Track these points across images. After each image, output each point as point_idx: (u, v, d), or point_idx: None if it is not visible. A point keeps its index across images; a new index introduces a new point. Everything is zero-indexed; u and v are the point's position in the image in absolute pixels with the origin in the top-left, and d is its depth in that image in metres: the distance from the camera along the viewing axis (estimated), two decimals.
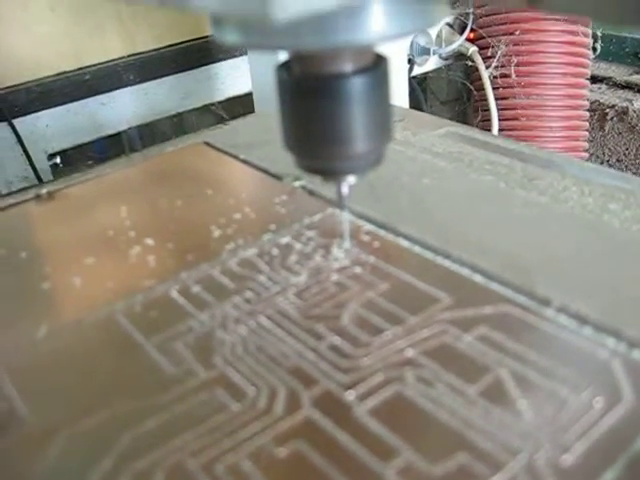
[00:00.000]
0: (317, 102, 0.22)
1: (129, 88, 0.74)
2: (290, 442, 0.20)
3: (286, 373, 0.23)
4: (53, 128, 0.71)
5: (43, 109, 0.69)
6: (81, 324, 0.26)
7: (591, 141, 0.86)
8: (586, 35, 0.78)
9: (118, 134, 0.76)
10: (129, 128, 0.77)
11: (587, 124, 0.82)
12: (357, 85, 0.21)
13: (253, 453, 0.20)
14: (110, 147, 0.77)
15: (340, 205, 0.25)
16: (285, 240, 0.30)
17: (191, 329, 0.25)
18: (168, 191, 0.35)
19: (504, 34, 0.79)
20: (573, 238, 0.29)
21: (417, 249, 0.29)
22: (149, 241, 0.30)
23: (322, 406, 0.22)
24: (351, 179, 0.24)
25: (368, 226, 0.30)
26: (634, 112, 0.80)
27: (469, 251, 0.28)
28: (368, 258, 0.28)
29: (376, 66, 0.22)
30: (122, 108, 0.75)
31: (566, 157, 0.43)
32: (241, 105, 0.79)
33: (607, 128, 0.83)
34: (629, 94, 0.82)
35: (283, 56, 0.22)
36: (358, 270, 0.28)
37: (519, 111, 0.81)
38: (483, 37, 0.82)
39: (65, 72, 0.71)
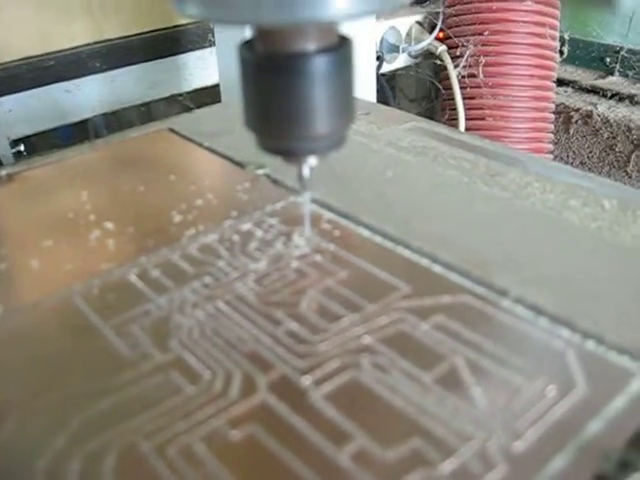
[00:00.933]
0: (279, 80, 0.21)
1: (95, 76, 0.73)
2: (244, 426, 0.20)
3: (242, 357, 0.23)
4: (16, 113, 0.69)
5: (6, 94, 0.68)
6: (38, 306, 0.26)
7: (556, 143, 0.88)
8: (553, 38, 0.79)
9: (84, 122, 0.75)
10: (95, 116, 0.75)
11: (552, 126, 0.83)
12: (320, 64, 0.21)
13: (207, 436, 0.20)
14: (75, 135, 0.75)
15: (301, 187, 0.25)
16: (246, 227, 0.30)
17: (148, 312, 0.25)
18: (130, 176, 0.34)
19: (473, 34, 0.80)
20: (533, 233, 0.30)
21: (377, 239, 0.29)
22: (109, 225, 0.30)
23: (278, 391, 0.21)
24: (312, 161, 0.24)
25: (329, 215, 0.30)
26: (598, 116, 0.81)
27: (429, 243, 0.28)
28: (328, 246, 0.28)
29: (340, 47, 0.22)
30: (87, 96, 0.73)
31: (530, 155, 0.43)
32: (208, 96, 0.78)
33: (572, 131, 0.84)
34: (594, 98, 0.83)
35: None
36: (318, 258, 0.28)
37: (486, 111, 0.82)
38: (452, 37, 0.83)
39: (30, 57, 0.69)
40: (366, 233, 0.29)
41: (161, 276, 0.27)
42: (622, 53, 0.83)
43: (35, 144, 0.71)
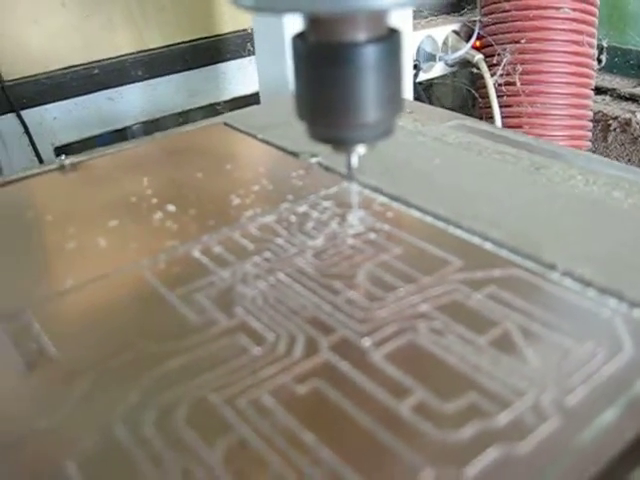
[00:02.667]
0: (329, 70, 0.22)
1: (137, 84, 0.76)
2: (309, 381, 0.21)
3: (304, 322, 0.24)
4: (60, 121, 0.72)
5: (51, 102, 0.71)
6: (107, 278, 0.27)
7: (594, 151, 0.88)
8: (591, 46, 0.80)
9: (123, 129, 0.77)
10: (134, 124, 0.78)
11: (590, 134, 0.83)
12: (369, 54, 0.22)
13: (274, 390, 0.21)
14: (115, 142, 0.78)
15: (349, 175, 0.27)
16: (302, 209, 0.31)
17: (213, 284, 0.26)
18: (188, 165, 0.36)
19: (510, 42, 0.81)
20: (578, 214, 0.31)
21: (429, 219, 0.30)
22: (171, 207, 0.32)
23: (339, 351, 0.23)
24: (361, 149, 0.25)
25: (381, 198, 0.32)
26: (637, 124, 0.82)
27: (479, 223, 0.29)
28: (382, 226, 0.29)
29: (389, 37, 0.23)
30: (129, 104, 0.76)
31: (572, 150, 0.44)
32: (246, 105, 0.80)
33: (610, 139, 0.85)
34: (632, 106, 0.84)
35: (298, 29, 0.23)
36: (372, 236, 0.29)
37: (523, 119, 0.83)
38: (489, 45, 0.84)
39: (74, 66, 0.72)
40: (417, 214, 0.30)
41: (223, 252, 0.28)
42: None
43: (77, 152, 0.74)
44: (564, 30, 0.79)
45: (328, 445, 0.19)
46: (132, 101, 0.75)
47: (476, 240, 0.28)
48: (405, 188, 0.32)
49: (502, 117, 0.83)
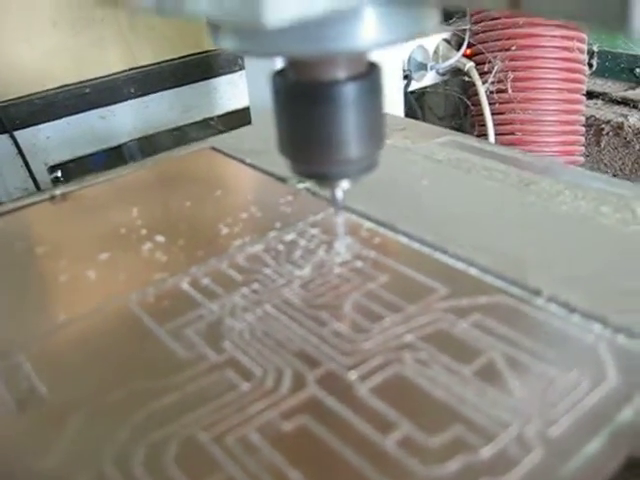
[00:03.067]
0: (311, 108, 0.23)
1: (129, 102, 0.76)
2: (296, 417, 0.22)
3: (291, 355, 0.24)
4: (53, 140, 0.73)
5: (44, 122, 0.71)
6: (97, 313, 0.28)
7: (587, 156, 0.88)
8: (582, 51, 0.80)
9: (119, 147, 0.78)
10: (129, 141, 0.78)
11: (583, 139, 0.84)
12: (350, 91, 0.22)
13: (261, 427, 0.22)
14: (110, 160, 0.78)
15: (335, 208, 0.27)
16: (290, 237, 0.31)
17: (201, 317, 0.27)
18: (177, 192, 0.36)
19: (500, 50, 0.81)
20: (565, 235, 0.31)
21: (415, 245, 0.30)
22: (160, 238, 0.32)
23: (326, 385, 0.23)
24: (345, 184, 0.25)
25: (368, 224, 0.32)
26: (629, 127, 0.82)
27: (465, 247, 0.29)
28: (369, 253, 0.30)
29: (369, 73, 0.23)
30: (122, 121, 0.76)
31: (560, 164, 0.44)
32: (238, 119, 0.80)
33: (603, 143, 0.85)
34: (624, 110, 0.84)
35: (279, 65, 0.24)
36: (359, 264, 0.29)
37: (516, 126, 0.83)
38: (480, 53, 0.84)
39: (66, 85, 0.72)
40: (404, 240, 0.31)
41: (211, 284, 0.29)
42: None
43: (71, 171, 0.74)
44: (554, 36, 0.79)
45: None
46: (125, 119, 0.75)
47: (461, 266, 0.29)
48: (392, 212, 0.33)
49: (494, 124, 0.84)
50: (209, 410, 0.22)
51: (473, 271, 0.28)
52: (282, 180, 0.36)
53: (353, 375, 0.23)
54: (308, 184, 0.35)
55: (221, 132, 0.80)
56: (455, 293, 0.27)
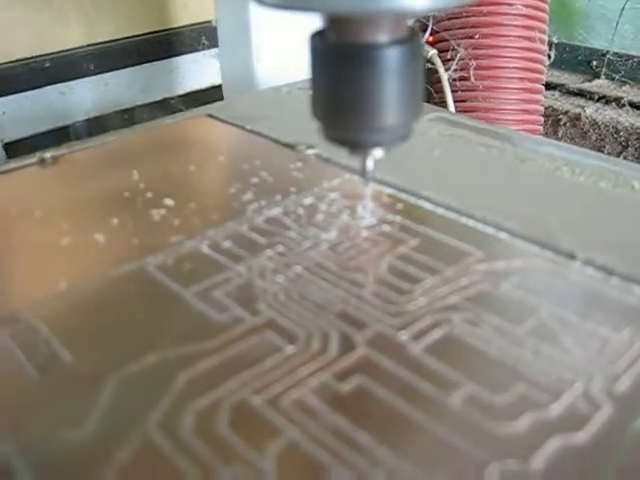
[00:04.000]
0: (349, 71, 0.22)
1: (88, 78, 0.73)
2: (351, 378, 0.21)
3: (334, 317, 0.23)
4: (10, 116, 0.69)
5: (0, 96, 0.68)
6: (112, 276, 0.26)
7: None
8: (542, 42, 0.81)
9: (65, 128, 0.75)
10: (76, 122, 0.75)
11: (542, 129, 0.85)
12: (391, 56, 0.21)
13: (316, 389, 0.20)
14: (56, 141, 0.75)
15: (365, 179, 0.26)
16: (309, 201, 0.30)
17: (229, 279, 0.25)
18: (178, 157, 0.34)
19: (464, 38, 0.82)
20: (584, 202, 0.31)
21: (440, 210, 0.29)
22: (169, 201, 0.30)
23: (377, 346, 0.22)
24: (378, 152, 0.24)
25: (388, 189, 0.31)
26: (586, 118, 0.84)
27: (491, 212, 0.29)
28: (394, 218, 0.29)
29: (410, 40, 0.22)
30: (81, 98, 0.73)
31: (553, 142, 0.44)
32: (200, 100, 0.78)
33: (560, 133, 0.87)
34: (581, 101, 0.86)
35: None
36: (387, 228, 0.28)
37: (478, 114, 0.83)
38: (443, 40, 0.84)
39: (24, 59, 0.69)
40: (428, 205, 0.30)
41: (234, 246, 0.27)
42: (608, 56, 0.85)
43: (17, 150, 0.70)
44: (517, 26, 0.80)
45: (385, 443, 0.18)
46: (84, 95, 0.72)
47: (490, 230, 0.28)
48: (411, 179, 0.32)
49: (457, 112, 0.84)
50: (255, 374, 0.21)
51: (503, 235, 0.28)
52: (288, 146, 0.35)
53: (404, 335, 0.22)
54: (317, 150, 0.34)
55: (180, 112, 0.78)
56: (490, 256, 0.26)
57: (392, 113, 0.22)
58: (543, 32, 0.82)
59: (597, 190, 0.33)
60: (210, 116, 0.39)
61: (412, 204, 0.30)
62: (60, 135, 0.74)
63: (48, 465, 0.18)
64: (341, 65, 0.22)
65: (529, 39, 0.81)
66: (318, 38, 0.22)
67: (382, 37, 0.21)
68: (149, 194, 0.31)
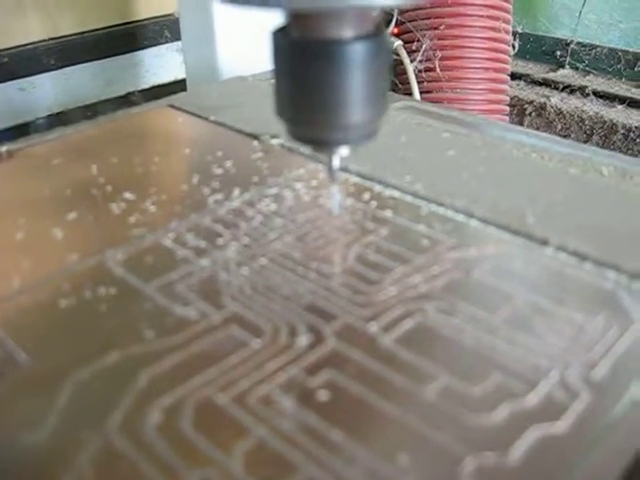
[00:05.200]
0: (313, 67, 0.21)
1: (50, 73, 0.71)
2: (321, 373, 0.20)
3: (302, 309, 0.22)
4: None
5: None
6: (70, 272, 0.25)
7: None
8: (507, 32, 0.81)
9: (25, 125, 0.72)
10: (37, 119, 0.73)
11: (508, 118, 0.85)
12: (357, 52, 0.21)
13: (284, 384, 0.19)
14: (16, 138, 0.73)
15: (330, 177, 0.25)
16: (273, 191, 0.29)
17: (192, 273, 0.24)
18: (140, 149, 0.33)
19: (429, 29, 0.81)
20: (554, 188, 0.30)
21: (409, 198, 0.29)
22: (129, 195, 0.29)
23: (346, 338, 0.21)
24: (344, 151, 0.24)
25: (354, 178, 0.30)
26: (551, 108, 0.84)
27: (460, 199, 0.28)
28: (362, 206, 0.28)
29: (376, 35, 0.21)
30: (42, 94, 0.71)
31: (521, 129, 0.44)
32: (164, 94, 0.77)
33: (526, 123, 0.87)
34: (546, 91, 0.86)
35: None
36: (354, 217, 0.27)
37: (444, 104, 0.83)
38: (408, 31, 0.84)
39: None
40: (396, 193, 0.29)
41: (196, 239, 0.26)
42: (572, 46, 0.86)
43: None
44: (481, 16, 0.79)
45: (359, 441, 0.18)
46: (45, 91, 0.70)
47: (461, 217, 0.27)
48: (377, 167, 0.31)
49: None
50: (221, 370, 0.20)
51: (474, 222, 0.27)
52: (252, 136, 0.34)
53: (373, 326, 0.21)
54: (282, 140, 0.33)
55: None
56: (461, 244, 0.26)
57: (358, 111, 0.22)
58: (507, 22, 0.82)
59: (567, 176, 0.33)
60: (172, 107, 0.38)
61: (380, 192, 0.29)
62: (20, 132, 0.72)
63: (4, 470, 0.17)
64: (304, 62, 0.21)
65: (494, 29, 0.81)
66: (280, 35, 0.21)
67: (346, 32, 0.20)
68: (109, 187, 0.30)
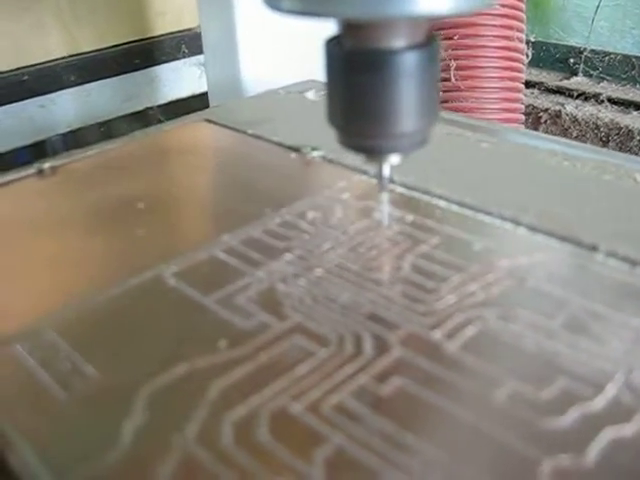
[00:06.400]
0: (366, 77, 0.21)
1: (70, 90, 0.72)
2: (390, 380, 0.20)
3: (364, 318, 0.23)
4: None
5: None
6: (126, 286, 0.25)
7: None
8: (521, 41, 0.82)
9: (41, 143, 0.73)
10: (52, 136, 0.73)
11: (523, 127, 0.85)
12: (408, 61, 0.21)
13: (356, 392, 0.20)
14: (32, 156, 0.73)
15: (380, 186, 0.25)
16: (321, 203, 0.29)
17: (249, 285, 0.25)
18: (182, 164, 0.34)
19: (444, 39, 0.82)
20: (593, 195, 0.31)
21: (455, 208, 0.29)
22: (176, 210, 0.29)
23: (411, 346, 0.21)
24: (395, 159, 0.24)
25: (399, 189, 0.30)
26: (567, 115, 0.84)
27: (506, 208, 0.29)
28: (410, 217, 0.28)
29: (428, 44, 0.22)
30: (62, 110, 0.72)
31: (549, 137, 0.45)
32: (181, 109, 0.77)
33: (541, 131, 0.87)
34: (560, 98, 0.86)
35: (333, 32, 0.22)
36: (404, 228, 0.28)
37: (461, 114, 0.84)
38: None
39: (2, 72, 0.67)
40: (442, 203, 0.29)
41: (250, 251, 0.26)
42: (585, 54, 0.86)
43: (3, 166, 0.69)
44: (495, 26, 0.80)
45: (435, 445, 0.18)
46: (65, 108, 0.71)
47: (509, 226, 0.28)
48: (419, 177, 0.31)
49: None
50: (291, 380, 0.20)
51: (522, 230, 0.27)
52: (293, 149, 0.34)
53: (437, 334, 0.22)
54: (323, 152, 0.33)
55: (161, 122, 0.77)
56: (512, 252, 0.26)
57: (409, 119, 0.22)
58: (521, 31, 0.82)
59: (602, 183, 0.33)
60: (209, 121, 0.38)
61: (426, 202, 0.30)
62: (39, 149, 0.73)
63: None
64: (357, 71, 0.22)
65: (508, 38, 0.81)
66: (333, 44, 0.22)
67: (399, 42, 0.21)
68: (155, 202, 0.30)
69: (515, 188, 0.31)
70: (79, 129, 0.75)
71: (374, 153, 0.24)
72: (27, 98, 0.69)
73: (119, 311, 0.24)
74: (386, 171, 0.25)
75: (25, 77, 0.68)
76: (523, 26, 0.82)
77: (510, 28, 0.81)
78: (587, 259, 0.26)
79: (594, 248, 0.26)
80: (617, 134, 0.80)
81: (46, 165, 0.33)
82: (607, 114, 0.84)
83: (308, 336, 0.22)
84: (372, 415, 0.19)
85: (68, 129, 0.73)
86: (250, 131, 0.36)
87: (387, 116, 0.22)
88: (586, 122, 0.83)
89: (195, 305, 0.24)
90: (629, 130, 0.82)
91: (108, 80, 0.74)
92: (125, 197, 0.31)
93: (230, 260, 0.26)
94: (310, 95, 0.40)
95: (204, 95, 0.69)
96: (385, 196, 0.28)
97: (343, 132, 0.23)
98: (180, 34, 0.76)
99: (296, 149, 0.34)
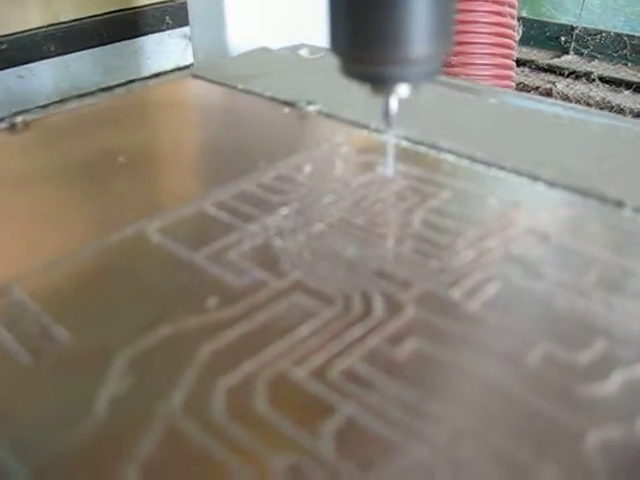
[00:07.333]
0: None
1: (49, 60, 0.69)
2: (405, 342, 0.18)
3: (372, 275, 0.20)
4: None
5: None
6: (108, 243, 0.22)
7: None
8: (512, 17, 0.80)
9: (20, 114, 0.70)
10: (44, 105, 0.70)
11: None
12: None
13: (366, 356, 0.17)
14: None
15: (386, 122, 0.23)
16: (319, 156, 0.27)
17: (242, 240, 0.22)
18: (167, 118, 0.31)
19: None
20: (615, 151, 0.28)
21: (465, 162, 0.27)
22: (160, 164, 0.27)
23: (427, 305, 0.19)
24: (403, 90, 0.21)
25: (403, 142, 0.28)
26: (558, 93, 0.82)
27: (522, 163, 0.26)
28: (417, 171, 0.26)
29: None
30: (41, 81, 0.69)
31: (552, 100, 0.42)
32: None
33: None
34: (552, 77, 0.85)
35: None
36: (410, 182, 0.25)
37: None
38: None
39: None
40: (450, 158, 0.27)
41: (242, 205, 0.24)
42: (576, 32, 0.84)
43: None
44: (487, 1, 0.78)
45: (463, 413, 0.16)
46: (44, 79, 0.68)
47: (525, 181, 0.25)
48: (426, 131, 0.29)
49: None
50: (291, 342, 0.18)
51: (540, 186, 0.25)
52: (287, 103, 0.32)
53: (456, 292, 0.19)
54: (318, 106, 0.31)
55: None
56: (532, 208, 0.24)
57: (420, 43, 0.19)
58: (513, 7, 0.80)
59: (618, 140, 0.31)
60: (196, 76, 0.35)
61: (434, 157, 0.27)
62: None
63: (52, 464, 0.15)
64: None
65: (499, 14, 0.79)
66: None
67: None
68: (141, 157, 0.27)
69: (529, 143, 0.29)
70: (59, 101, 0.71)
71: (381, 82, 0.21)
72: (5, 68, 0.66)
73: (97, 269, 0.21)
74: (393, 105, 0.22)
75: (3, 46, 0.65)
76: (515, 2, 0.80)
77: (502, 4, 0.78)
78: (614, 215, 0.23)
79: (620, 204, 0.24)
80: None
81: (19, 119, 0.30)
82: (598, 93, 0.82)
83: (309, 294, 0.19)
84: (387, 381, 0.16)
85: (47, 101, 0.70)
86: (240, 86, 0.33)
87: (396, 39, 0.19)
88: (577, 101, 0.81)
89: (181, 262, 0.21)
90: (621, 109, 0.80)
91: (89, 51, 0.71)
92: (104, 151, 0.28)
93: (220, 215, 0.23)
94: (303, 52, 0.37)
95: (189, 68, 0.66)
96: (390, 145, 0.25)
97: (347, 59, 0.21)
98: (164, 4, 0.73)
99: (290, 103, 0.31)
